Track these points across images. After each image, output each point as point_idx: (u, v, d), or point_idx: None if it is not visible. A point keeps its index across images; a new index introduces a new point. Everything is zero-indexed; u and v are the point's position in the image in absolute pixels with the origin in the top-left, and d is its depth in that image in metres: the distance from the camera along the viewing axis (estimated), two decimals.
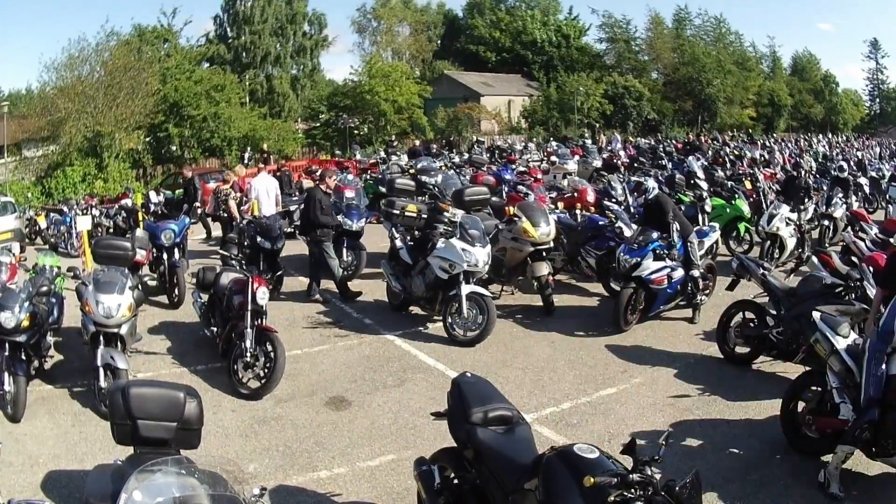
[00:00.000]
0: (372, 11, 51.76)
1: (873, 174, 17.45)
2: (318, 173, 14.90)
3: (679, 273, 7.96)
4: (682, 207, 11.48)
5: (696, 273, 8.17)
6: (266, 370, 6.52)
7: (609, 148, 27.72)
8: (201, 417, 4.05)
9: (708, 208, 11.31)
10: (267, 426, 5.91)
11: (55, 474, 5.07)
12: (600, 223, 9.79)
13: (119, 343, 6.44)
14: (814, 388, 5.03)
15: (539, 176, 16.92)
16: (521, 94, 48.21)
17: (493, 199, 12.11)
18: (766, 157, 22.30)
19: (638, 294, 7.89)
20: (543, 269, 8.68)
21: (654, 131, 44.64)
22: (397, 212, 9.44)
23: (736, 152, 22.33)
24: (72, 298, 7.54)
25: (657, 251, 7.87)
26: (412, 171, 16.82)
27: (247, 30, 42.69)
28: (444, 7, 57.24)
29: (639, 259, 7.80)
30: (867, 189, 16.01)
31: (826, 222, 12.01)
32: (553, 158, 21.39)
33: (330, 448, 5.52)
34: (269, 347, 6.57)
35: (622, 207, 10.84)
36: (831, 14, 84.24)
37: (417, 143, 30.84)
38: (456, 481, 3.92)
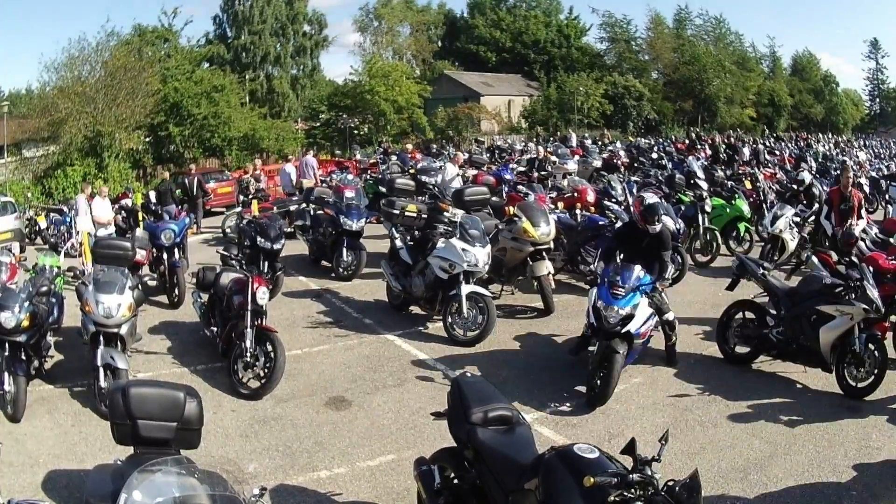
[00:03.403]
0: (374, 11, 51.80)
1: (873, 174, 17.43)
2: None
3: (654, 320, 6.58)
4: (682, 207, 11.51)
5: (670, 317, 6.88)
6: (266, 370, 6.52)
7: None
8: (201, 417, 4.05)
9: (708, 208, 11.30)
10: (267, 426, 5.91)
11: (55, 474, 5.06)
12: (600, 223, 9.79)
13: (119, 343, 6.44)
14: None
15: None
16: (521, 94, 48.22)
17: (493, 199, 12.11)
18: (768, 158, 22.28)
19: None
20: (543, 269, 8.66)
21: (653, 131, 44.63)
22: (397, 212, 9.44)
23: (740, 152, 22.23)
24: (72, 298, 7.54)
25: (648, 294, 6.46)
26: (412, 171, 16.81)
27: (246, 30, 42.71)
28: (444, 7, 57.30)
29: (631, 310, 6.24)
30: (867, 189, 15.98)
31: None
32: (553, 158, 21.33)
33: (330, 448, 5.51)
34: (269, 347, 6.57)
35: (622, 207, 10.83)
36: (840, 17, 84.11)
37: (409, 146, 27.08)
38: (456, 481, 3.92)
